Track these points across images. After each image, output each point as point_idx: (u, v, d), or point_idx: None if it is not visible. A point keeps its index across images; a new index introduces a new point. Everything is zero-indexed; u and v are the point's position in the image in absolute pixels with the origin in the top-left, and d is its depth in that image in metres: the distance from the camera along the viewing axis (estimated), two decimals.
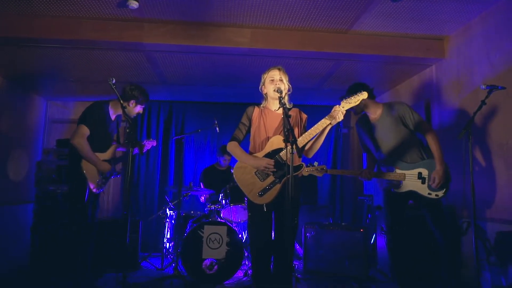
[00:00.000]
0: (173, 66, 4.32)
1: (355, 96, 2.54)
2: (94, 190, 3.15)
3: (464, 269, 3.24)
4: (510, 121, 3.02)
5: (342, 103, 2.53)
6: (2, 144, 4.58)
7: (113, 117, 3.29)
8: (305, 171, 3.01)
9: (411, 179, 2.94)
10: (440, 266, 3.03)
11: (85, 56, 3.98)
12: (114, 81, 2.88)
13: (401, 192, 2.99)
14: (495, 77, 3.17)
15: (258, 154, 2.63)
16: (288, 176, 2.26)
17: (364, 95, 2.54)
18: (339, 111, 2.49)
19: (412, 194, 2.96)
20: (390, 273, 3.78)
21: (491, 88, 2.70)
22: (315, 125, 2.53)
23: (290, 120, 2.53)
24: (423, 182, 2.91)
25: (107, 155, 3.27)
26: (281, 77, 2.69)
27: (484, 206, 3.21)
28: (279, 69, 2.72)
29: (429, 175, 2.90)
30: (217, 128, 4.30)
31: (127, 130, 2.76)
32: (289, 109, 2.67)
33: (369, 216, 4.96)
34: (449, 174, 2.87)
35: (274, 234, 2.66)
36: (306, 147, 2.68)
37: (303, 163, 2.60)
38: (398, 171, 2.98)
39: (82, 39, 3.49)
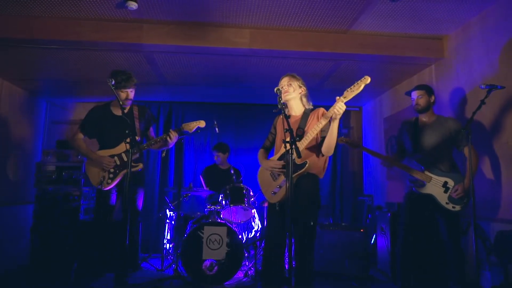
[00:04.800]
0: (172, 66, 4.32)
1: (357, 83, 2.49)
2: (99, 187, 3.21)
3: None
4: (510, 121, 3.02)
5: (345, 93, 2.51)
6: (2, 144, 4.58)
7: (118, 112, 3.33)
8: (340, 140, 3.19)
9: (436, 184, 3.01)
10: (446, 267, 3.07)
11: (84, 57, 3.98)
12: (113, 82, 2.89)
13: (421, 193, 3.05)
14: (494, 76, 3.17)
15: (274, 157, 2.83)
16: (294, 175, 2.51)
17: (367, 79, 2.49)
18: (338, 102, 2.48)
19: (431, 199, 3.02)
20: (391, 273, 3.78)
21: (491, 88, 2.69)
22: (313, 127, 2.62)
23: (311, 120, 2.72)
24: (445, 192, 2.99)
25: (116, 150, 3.28)
26: (289, 82, 2.82)
27: (485, 206, 3.21)
28: (286, 76, 2.87)
29: (453, 187, 2.97)
30: (217, 129, 4.30)
31: (127, 132, 2.74)
32: (311, 110, 2.82)
33: (369, 216, 4.97)
34: (471, 193, 2.87)
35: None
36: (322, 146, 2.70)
37: (307, 160, 2.63)
38: (427, 173, 3.04)
39: (81, 40, 3.49)
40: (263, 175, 2.86)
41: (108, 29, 3.50)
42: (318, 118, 2.75)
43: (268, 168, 2.77)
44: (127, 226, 2.62)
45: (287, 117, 2.44)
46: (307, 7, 3.26)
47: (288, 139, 2.31)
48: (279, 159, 2.77)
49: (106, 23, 3.50)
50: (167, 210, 4.54)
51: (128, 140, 3.05)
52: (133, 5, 3.11)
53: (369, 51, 3.79)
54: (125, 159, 3.20)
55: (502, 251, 2.95)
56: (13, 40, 3.48)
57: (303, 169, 2.61)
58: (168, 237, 4.47)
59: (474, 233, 2.57)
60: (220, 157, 4.96)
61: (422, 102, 3.16)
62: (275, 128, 2.96)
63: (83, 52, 3.84)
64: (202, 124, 3.30)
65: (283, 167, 2.68)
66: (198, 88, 5.20)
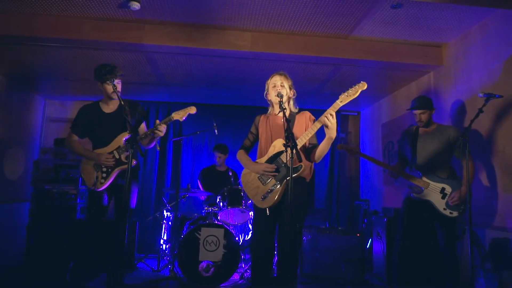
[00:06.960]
0: (173, 67, 4.33)
1: (354, 87, 2.44)
2: (94, 188, 3.08)
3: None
4: (507, 129, 3.06)
5: (341, 97, 2.45)
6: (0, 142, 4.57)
7: (108, 110, 3.20)
8: (339, 147, 3.23)
9: (433, 190, 3.04)
10: (441, 272, 3.10)
11: (85, 56, 3.98)
12: (114, 81, 2.90)
13: (419, 199, 3.08)
14: (493, 85, 3.20)
15: (262, 159, 2.68)
16: (287, 178, 2.34)
17: (364, 85, 2.44)
18: (328, 113, 2.41)
19: (428, 204, 3.05)
20: (386, 278, 3.80)
21: (489, 96, 2.72)
22: (308, 130, 2.53)
23: (298, 123, 2.64)
24: (442, 198, 3.02)
25: (109, 148, 3.14)
26: (282, 83, 2.71)
27: (481, 213, 3.24)
28: (280, 75, 2.75)
29: (450, 193, 3.00)
30: (216, 130, 4.31)
31: (128, 133, 2.74)
32: (296, 113, 2.75)
33: (365, 220, 4.98)
34: (467, 200, 2.81)
35: (277, 238, 2.67)
36: (312, 153, 2.66)
37: (302, 164, 2.56)
38: (425, 179, 3.07)
39: (83, 39, 3.50)
40: (249, 178, 2.70)
41: (110, 28, 3.50)
42: (306, 121, 2.72)
43: (259, 172, 2.62)
44: (123, 225, 2.60)
45: (288, 120, 2.43)
46: (309, 12, 3.29)
47: (288, 142, 2.29)
48: (269, 162, 2.63)
49: (108, 23, 3.50)
50: (164, 211, 4.53)
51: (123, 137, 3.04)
52: (136, 6, 3.12)
53: (369, 57, 3.82)
54: (117, 156, 3.10)
55: (497, 258, 2.98)
56: (14, 37, 3.48)
57: (299, 172, 2.55)
58: (165, 238, 4.46)
59: (469, 239, 2.60)
60: (221, 158, 4.98)
61: (424, 118, 3.18)
62: (256, 128, 2.84)
63: (84, 50, 3.85)
64: (192, 110, 3.12)
65: (276, 170, 2.58)
66: (198, 89, 5.21)
